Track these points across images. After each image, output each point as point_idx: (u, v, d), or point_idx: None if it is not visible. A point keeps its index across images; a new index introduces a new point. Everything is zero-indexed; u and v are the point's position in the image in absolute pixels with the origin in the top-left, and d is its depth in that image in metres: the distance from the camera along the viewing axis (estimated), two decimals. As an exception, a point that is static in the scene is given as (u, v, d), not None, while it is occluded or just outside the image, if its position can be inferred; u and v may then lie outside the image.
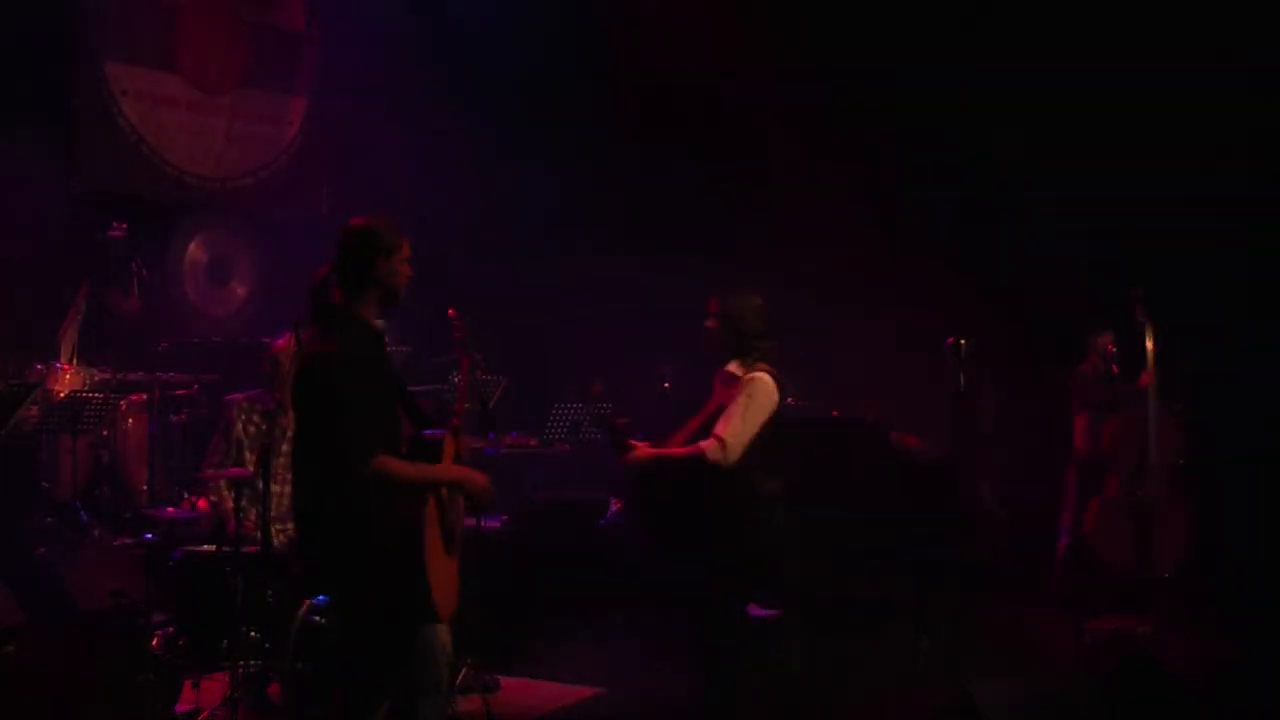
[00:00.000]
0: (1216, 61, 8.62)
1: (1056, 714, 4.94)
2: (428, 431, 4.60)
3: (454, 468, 4.54)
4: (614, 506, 8.68)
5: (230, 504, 5.97)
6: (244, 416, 6.39)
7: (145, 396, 8.18)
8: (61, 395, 7.82)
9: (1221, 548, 8.27)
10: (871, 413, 8.55)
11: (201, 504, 6.41)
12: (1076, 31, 9.08)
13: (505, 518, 7.83)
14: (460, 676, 6.09)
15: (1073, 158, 9.04)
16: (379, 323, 4.54)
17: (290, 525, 6.23)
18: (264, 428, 6.28)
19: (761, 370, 5.52)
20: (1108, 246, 8.88)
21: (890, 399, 8.80)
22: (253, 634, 5.68)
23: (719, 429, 5.40)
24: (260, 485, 5.84)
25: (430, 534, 4.38)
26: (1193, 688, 5.30)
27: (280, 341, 6.30)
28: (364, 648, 4.46)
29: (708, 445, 5.38)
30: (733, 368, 5.56)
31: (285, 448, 6.25)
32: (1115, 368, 8.40)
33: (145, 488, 8.16)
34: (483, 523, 6.39)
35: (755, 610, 7.98)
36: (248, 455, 6.28)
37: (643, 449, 5.51)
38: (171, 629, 5.93)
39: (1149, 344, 8.08)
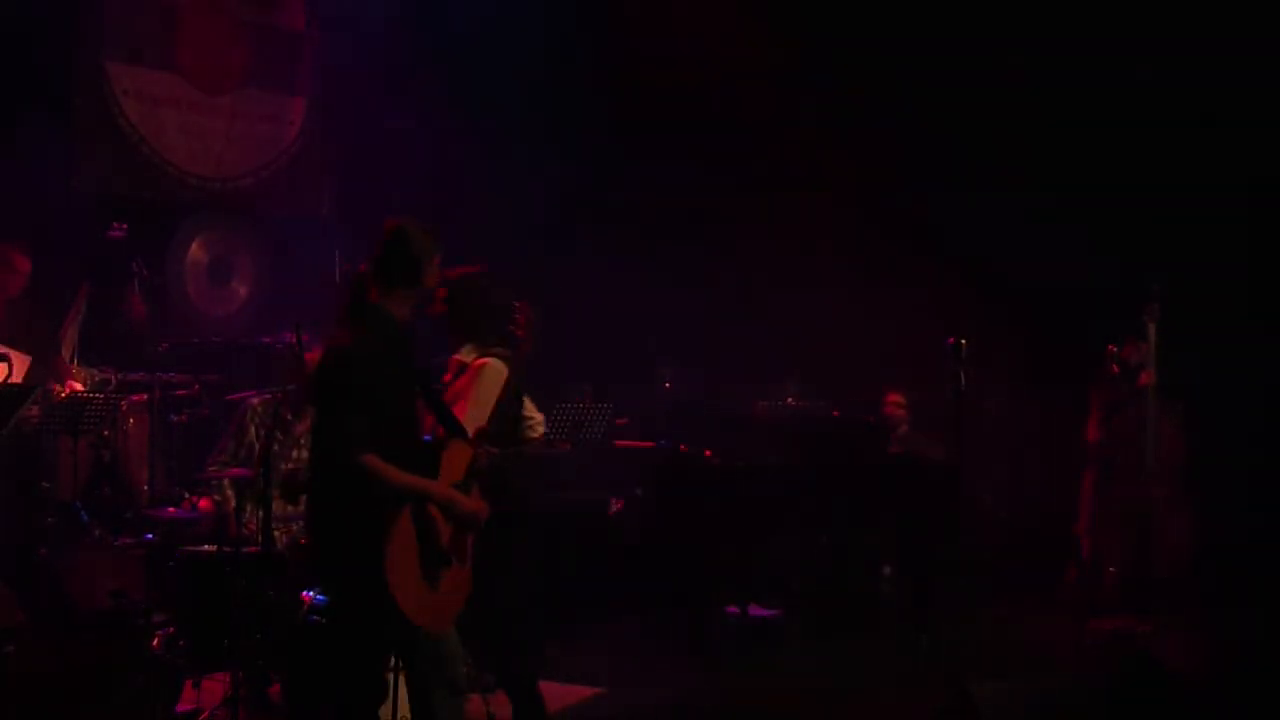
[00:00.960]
0: (1219, 61, 8.63)
1: (1056, 714, 4.94)
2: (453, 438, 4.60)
3: (441, 487, 4.46)
4: (615, 506, 8.69)
5: (233, 505, 5.97)
6: (257, 420, 6.37)
7: (146, 397, 8.18)
8: (62, 395, 7.82)
9: (1222, 548, 8.27)
10: (872, 413, 8.58)
11: (203, 504, 6.40)
12: (1079, 29, 9.08)
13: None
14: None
15: (1076, 156, 9.04)
16: (406, 322, 4.52)
17: (292, 526, 6.24)
18: (279, 435, 6.27)
19: (493, 354, 5.07)
20: (1111, 245, 8.88)
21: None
22: (255, 634, 5.67)
23: None
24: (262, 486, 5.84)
25: (400, 544, 4.33)
26: (1193, 688, 5.29)
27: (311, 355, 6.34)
28: (347, 644, 4.48)
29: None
30: (463, 355, 5.13)
31: (295, 454, 6.29)
32: (1115, 368, 8.40)
33: (146, 488, 8.16)
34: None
35: (755, 610, 8.02)
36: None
37: None
38: (172, 629, 5.93)
39: (1152, 345, 8.09)
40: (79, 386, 7.88)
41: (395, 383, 4.41)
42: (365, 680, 4.47)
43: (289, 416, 6.32)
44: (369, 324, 4.41)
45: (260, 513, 5.67)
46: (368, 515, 4.28)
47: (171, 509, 6.50)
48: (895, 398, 8.79)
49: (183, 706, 5.72)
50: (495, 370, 5.02)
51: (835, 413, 8.43)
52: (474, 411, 4.89)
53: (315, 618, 5.50)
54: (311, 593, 5.77)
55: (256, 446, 6.28)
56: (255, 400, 6.45)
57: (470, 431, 4.75)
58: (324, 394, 4.36)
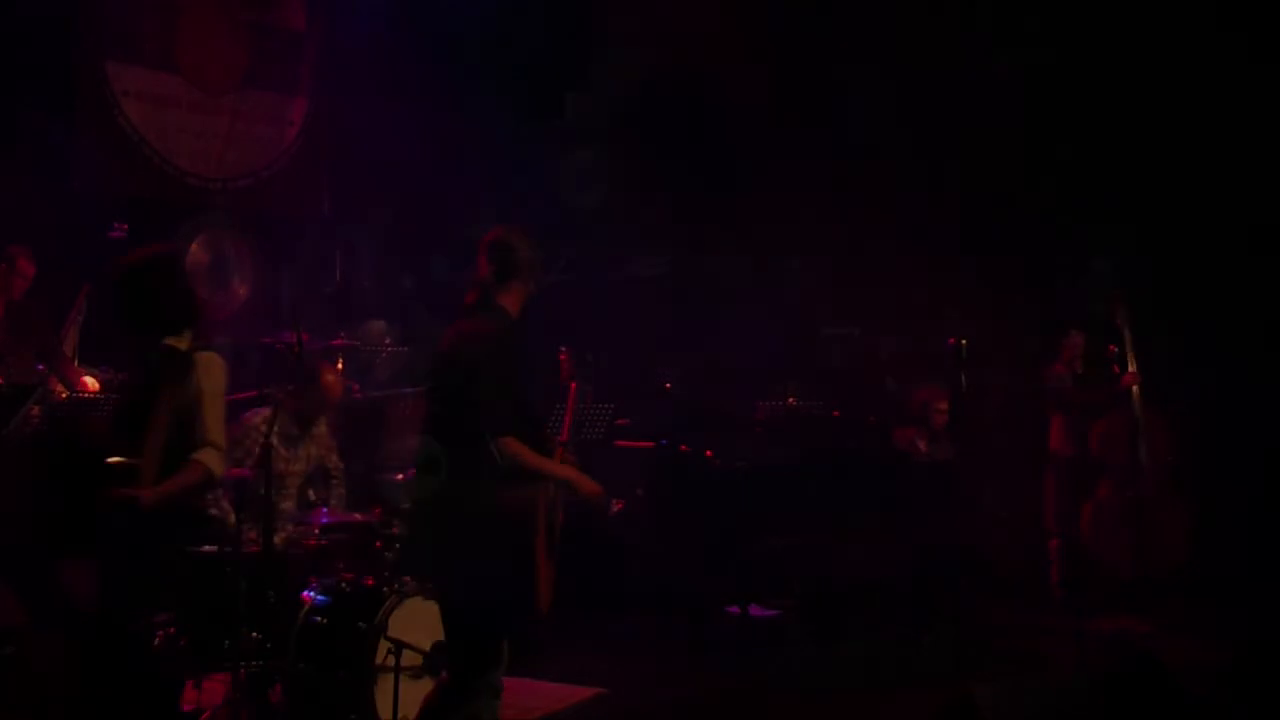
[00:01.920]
0: (1214, 59, 8.64)
1: (1056, 714, 4.94)
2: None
3: (570, 469, 4.70)
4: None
5: (233, 519, 5.94)
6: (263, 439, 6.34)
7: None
8: (62, 395, 7.82)
9: (1221, 547, 8.28)
10: (873, 412, 8.57)
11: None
12: (1074, 29, 9.09)
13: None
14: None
15: (1074, 156, 9.05)
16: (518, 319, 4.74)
17: (291, 527, 6.24)
18: (283, 452, 6.29)
19: (211, 348, 4.78)
20: (1111, 245, 8.90)
21: (891, 399, 8.83)
22: (254, 634, 5.67)
23: (205, 435, 4.69)
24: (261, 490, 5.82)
25: (539, 529, 4.47)
26: (1192, 688, 5.30)
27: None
28: (471, 633, 4.52)
29: (210, 458, 4.68)
30: (175, 342, 4.75)
31: (298, 468, 6.32)
32: (1117, 368, 8.41)
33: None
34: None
35: (755, 610, 8.02)
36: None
37: (147, 492, 4.59)
38: (172, 629, 5.92)
39: (1129, 346, 8.13)
40: (95, 385, 7.87)
41: (517, 374, 4.62)
42: (473, 668, 4.53)
43: (295, 430, 6.38)
44: (496, 317, 4.67)
45: (259, 525, 5.70)
46: (511, 500, 4.42)
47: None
48: (944, 404, 8.23)
49: (184, 707, 5.71)
50: (220, 365, 4.81)
51: (835, 413, 8.41)
52: (219, 411, 4.73)
53: (316, 618, 5.52)
54: (311, 593, 5.78)
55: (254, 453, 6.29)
56: (256, 419, 6.40)
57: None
58: (464, 375, 4.52)
